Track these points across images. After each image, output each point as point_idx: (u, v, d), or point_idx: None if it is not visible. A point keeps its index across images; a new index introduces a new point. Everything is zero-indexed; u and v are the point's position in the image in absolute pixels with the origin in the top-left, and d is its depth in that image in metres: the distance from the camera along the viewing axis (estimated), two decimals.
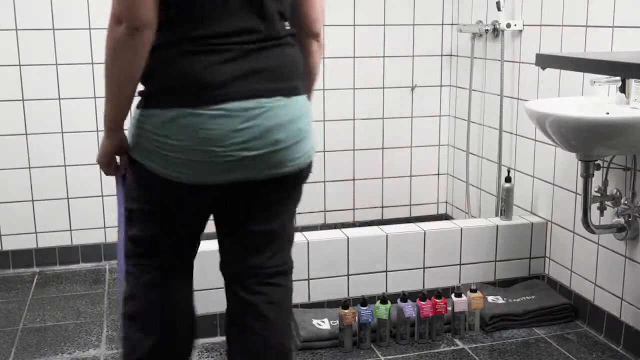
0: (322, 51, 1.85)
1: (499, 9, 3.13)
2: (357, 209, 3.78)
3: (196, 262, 2.59)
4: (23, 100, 3.23)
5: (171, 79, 1.58)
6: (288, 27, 1.69)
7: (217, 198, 1.72)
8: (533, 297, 2.82)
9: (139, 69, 1.58)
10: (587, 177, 2.38)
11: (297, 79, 1.70)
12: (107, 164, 1.75)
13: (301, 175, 1.76)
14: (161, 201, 1.71)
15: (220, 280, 2.61)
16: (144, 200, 1.72)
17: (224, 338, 2.68)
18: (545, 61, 2.29)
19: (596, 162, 2.39)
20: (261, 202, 1.74)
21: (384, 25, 3.61)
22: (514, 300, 2.80)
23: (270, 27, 1.63)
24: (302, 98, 1.71)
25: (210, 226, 1.84)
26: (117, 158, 1.75)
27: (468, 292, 2.66)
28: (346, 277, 2.75)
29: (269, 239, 1.78)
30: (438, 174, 3.88)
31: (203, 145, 1.58)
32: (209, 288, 2.60)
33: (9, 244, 3.35)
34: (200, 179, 1.63)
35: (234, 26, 1.58)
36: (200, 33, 1.57)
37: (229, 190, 1.70)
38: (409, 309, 2.56)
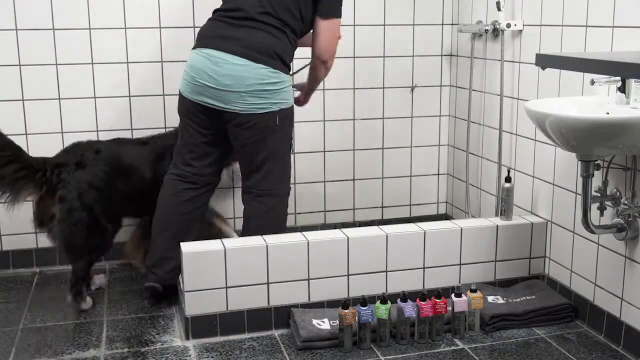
0: (325, 71, 2.83)
1: (499, 9, 3.13)
2: (357, 209, 3.78)
3: (194, 263, 2.60)
4: (23, 100, 3.23)
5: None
6: (274, 19, 2.64)
7: (213, 118, 2.72)
8: (533, 297, 2.81)
9: None
10: (587, 177, 2.38)
11: (260, 52, 2.61)
12: None
13: (251, 118, 2.65)
14: (183, 109, 2.81)
15: (218, 281, 2.61)
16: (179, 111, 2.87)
17: (224, 338, 2.69)
18: (545, 61, 2.29)
19: (596, 162, 2.39)
20: (235, 139, 2.74)
21: (384, 25, 3.60)
22: (514, 300, 2.80)
23: (253, 13, 2.63)
24: (264, 68, 2.61)
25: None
26: None
27: (468, 292, 2.66)
28: (346, 277, 2.75)
29: (252, 170, 2.77)
30: (438, 174, 3.88)
31: (191, 72, 2.70)
32: (209, 288, 2.60)
33: (9, 244, 3.35)
34: (189, 95, 2.73)
35: (232, 7, 2.68)
36: (217, 8, 2.75)
37: (215, 115, 2.70)
38: (409, 309, 2.56)
